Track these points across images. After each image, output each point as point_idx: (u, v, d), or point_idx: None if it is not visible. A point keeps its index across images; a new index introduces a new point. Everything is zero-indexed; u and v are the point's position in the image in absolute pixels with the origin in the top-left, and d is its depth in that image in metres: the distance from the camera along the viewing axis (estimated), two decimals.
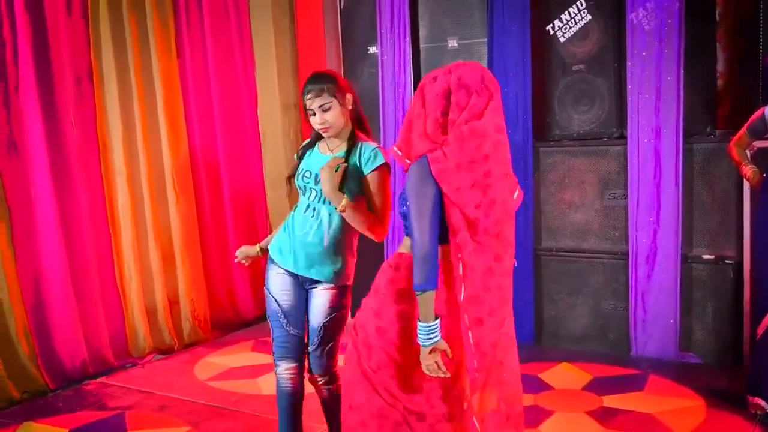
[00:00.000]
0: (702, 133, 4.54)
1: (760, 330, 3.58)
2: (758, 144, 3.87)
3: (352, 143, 2.86)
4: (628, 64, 4.54)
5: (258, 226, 5.95)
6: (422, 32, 5.30)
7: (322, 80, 2.85)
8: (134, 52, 4.93)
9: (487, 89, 2.28)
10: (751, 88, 4.49)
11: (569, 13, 4.74)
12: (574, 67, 4.79)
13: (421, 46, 5.31)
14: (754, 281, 4.03)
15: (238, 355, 4.99)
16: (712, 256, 4.52)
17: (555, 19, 4.80)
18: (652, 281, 4.60)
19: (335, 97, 2.83)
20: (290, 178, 3.05)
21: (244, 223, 5.85)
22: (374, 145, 2.85)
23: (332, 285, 2.89)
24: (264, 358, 4.93)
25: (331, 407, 3.00)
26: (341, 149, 2.88)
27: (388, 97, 5.39)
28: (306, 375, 3.05)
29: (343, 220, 2.83)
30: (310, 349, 2.97)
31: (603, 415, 3.77)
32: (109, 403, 4.21)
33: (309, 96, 2.82)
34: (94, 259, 4.72)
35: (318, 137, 3.00)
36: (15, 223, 4.30)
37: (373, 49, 5.50)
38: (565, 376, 4.38)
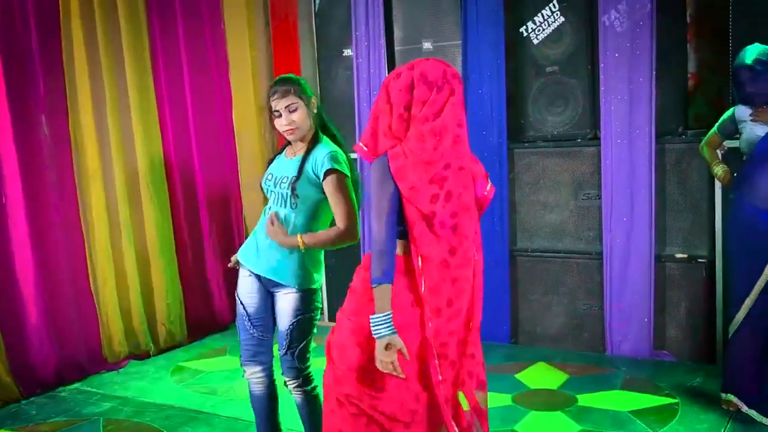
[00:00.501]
0: (674, 133, 4.59)
1: (732, 328, 3.63)
2: (729, 143, 3.92)
3: (311, 147, 2.87)
4: (601, 65, 4.58)
5: (233, 228, 5.92)
6: (397, 34, 5.31)
7: (288, 82, 2.88)
8: (107, 54, 4.88)
9: (449, 84, 2.32)
10: (721, 88, 4.56)
11: (542, 15, 4.77)
12: (548, 69, 4.82)
13: (395, 48, 5.31)
14: (726, 279, 4.08)
15: (214, 359, 4.97)
16: (685, 255, 4.57)
17: (528, 21, 4.82)
18: (626, 281, 4.64)
19: (301, 98, 2.86)
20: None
21: (220, 226, 5.82)
22: (330, 148, 2.85)
23: (295, 288, 2.89)
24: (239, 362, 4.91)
25: (307, 410, 3.00)
26: (302, 153, 2.89)
27: (364, 99, 5.39)
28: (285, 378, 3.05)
29: (304, 222, 2.86)
30: (280, 353, 2.97)
31: (579, 414, 3.80)
32: (84, 410, 4.16)
33: (275, 96, 2.84)
34: (67, 264, 4.67)
35: (287, 144, 3.01)
36: None
37: (348, 52, 5.50)
38: (541, 375, 4.41)
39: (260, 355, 3.01)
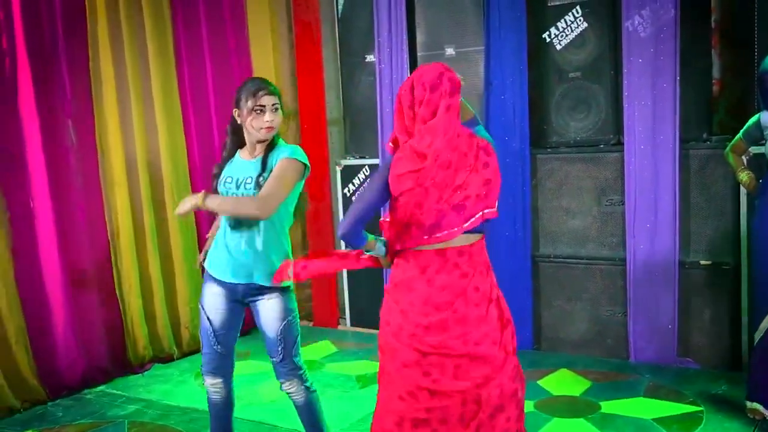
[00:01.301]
0: (698, 139, 4.57)
1: (758, 335, 3.60)
2: (754, 149, 3.89)
3: (271, 147, 2.92)
4: (624, 71, 4.57)
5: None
6: (419, 40, 5.33)
7: (270, 83, 2.94)
8: (132, 59, 4.94)
9: (442, 85, 2.46)
10: (746, 94, 4.52)
11: (565, 20, 4.77)
12: (571, 75, 4.81)
13: (418, 54, 5.34)
14: (751, 286, 4.05)
15: (238, 363, 4.95)
16: (710, 262, 4.53)
17: (551, 26, 4.82)
18: (649, 287, 4.62)
19: (281, 101, 2.93)
20: (207, 192, 2.96)
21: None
22: (293, 146, 2.92)
23: (275, 293, 2.92)
24: (263, 366, 4.94)
25: (308, 410, 3.06)
26: (261, 154, 2.93)
27: (386, 104, 5.41)
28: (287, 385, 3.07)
29: (271, 222, 2.88)
30: (276, 360, 3.00)
31: (602, 421, 3.78)
32: (109, 412, 4.21)
33: (263, 92, 2.86)
34: (93, 268, 4.73)
35: (235, 149, 3.01)
36: (14, 231, 4.32)
37: (370, 57, 5.53)
38: (564, 382, 4.39)
39: (222, 368, 3.06)
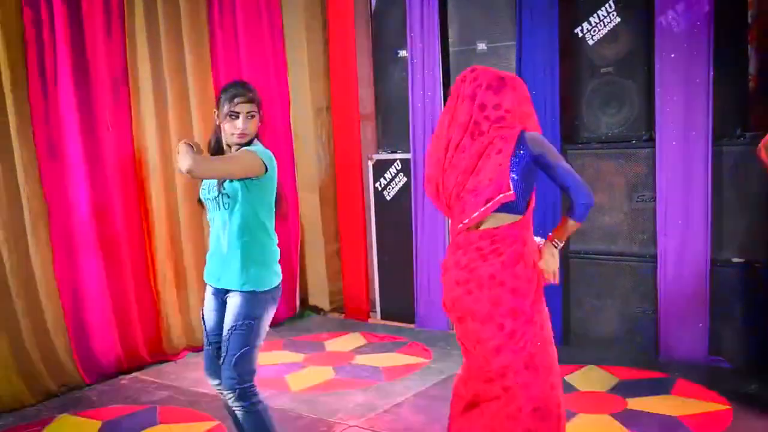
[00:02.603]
0: (732, 136, 4.51)
1: None
2: None
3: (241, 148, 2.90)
4: (657, 66, 4.53)
5: (290, 227, 6.03)
6: (451, 35, 5.34)
7: (250, 90, 2.91)
8: (169, 55, 5.05)
9: (455, 87, 2.77)
10: None
11: (598, 15, 4.74)
12: (603, 70, 4.78)
13: (450, 49, 5.35)
14: None
15: (269, 353, 5.08)
16: (742, 260, 4.47)
17: (584, 21, 4.80)
18: (680, 284, 4.57)
19: (259, 110, 2.92)
20: (200, 200, 3.06)
21: (276, 224, 5.92)
22: (260, 147, 2.89)
23: (237, 294, 2.87)
24: (293, 356, 5.02)
25: (246, 428, 2.95)
26: None
27: (418, 99, 5.44)
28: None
29: (234, 223, 2.86)
30: (220, 362, 2.92)
31: (627, 418, 3.76)
32: (142, 398, 4.33)
33: (239, 99, 2.85)
34: (129, 258, 4.84)
35: (217, 151, 3.00)
36: (53, 222, 4.45)
37: (403, 53, 5.56)
38: (591, 378, 4.38)
39: (216, 369, 3.00)
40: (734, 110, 4.54)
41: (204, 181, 3.00)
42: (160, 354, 5.02)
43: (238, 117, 2.86)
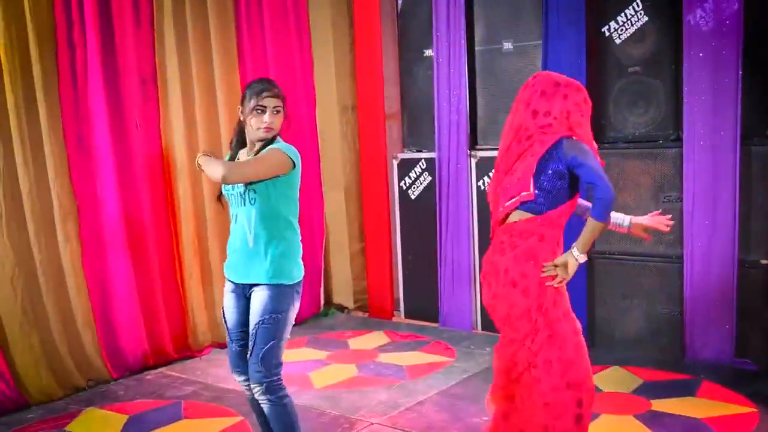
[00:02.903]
0: (761, 136, 4.45)
1: None
2: None
3: (266, 145, 2.93)
4: (685, 65, 4.49)
5: (314, 226, 6.06)
6: (477, 34, 5.34)
7: (276, 86, 2.96)
8: (197, 54, 5.11)
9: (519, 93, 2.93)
10: None
11: (625, 14, 4.71)
12: (630, 69, 4.75)
13: (476, 48, 5.35)
14: None
15: (293, 351, 5.11)
16: None
17: (611, 20, 4.77)
18: (707, 286, 4.53)
19: (284, 105, 2.96)
20: (219, 197, 3.09)
21: (302, 222, 5.95)
22: (287, 145, 2.93)
23: (264, 287, 2.90)
24: (316, 354, 5.05)
25: (272, 421, 2.97)
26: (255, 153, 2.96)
27: (443, 98, 5.45)
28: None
29: (261, 218, 2.89)
30: (248, 356, 2.95)
31: (650, 419, 3.74)
32: (167, 393, 4.38)
33: (267, 94, 2.90)
34: (156, 256, 4.90)
35: (239, 148, 3.02)
36: (82, 218, 4.52)
37: (428, 52, 5.57)
38: (615, 379, 4.35)
39: (242, 365, 3.04)
40: (763, 110, 4.47)
41: None
42: (186, 350, 5.08)
43: (264, 111, 2.91)
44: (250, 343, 2.92)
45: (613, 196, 2.65)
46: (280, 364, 2.97)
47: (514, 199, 2.79)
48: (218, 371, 4.72)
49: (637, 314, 4.86)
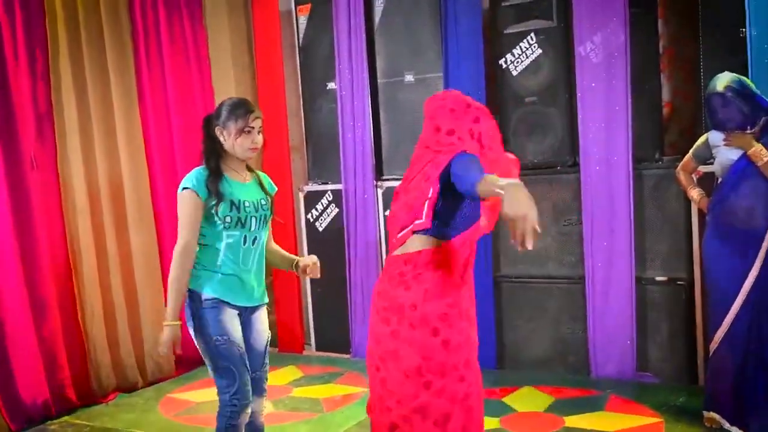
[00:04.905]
0: (651, 160, 4.72)
1: (712, 347, 3.72)
2: (703, 168, 4.05)
3: (249, 168, 3.13)
4: (578, 95, 4.72)
5: None
6: (379, 67, 5.42)
7: (256, 107, 3.05)
8: (95, 93, 4.97)
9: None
10: (695, 115, 4.71)
11: (520, 47, 4.91)
12: (527, 99, 4.94)
13: (378, 81, 5.44)
14: (705, 300, 4.18)
15: (203, 391, 4.98)
16: (665, 278, 4.67)
17: (507, 53, 4.96)
18: (608, 304, 4.73)
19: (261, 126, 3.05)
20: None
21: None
22: (261, 172, 3.23)
23: (264, 303, 3.09)
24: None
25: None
26: (251, 177, 3.09)
27: (348, 130, 5.50)
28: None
29: (265, 239, 3.09)
30: (259, 374, 3.08)
31: None
32: None
33: (253, 116, 2.96)
34: (56, 297, 4.67)
35: (216, 170, 2.96)
36: None
37: (331, 85, 5.61)
38: (527, 399, 4.47)
39: (251, 389, 3.01)
40: (651, 135, 4.75)
41: (240, 198, 2.95)
42: (90, 396, 4.84)
43: (252, 132, 2.95)
44: (259, 361, 3.06)
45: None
46: None
47: (406, 230, 2.59)
48: (127, 416, 4.55)
49: (544, 335, 5.01)
